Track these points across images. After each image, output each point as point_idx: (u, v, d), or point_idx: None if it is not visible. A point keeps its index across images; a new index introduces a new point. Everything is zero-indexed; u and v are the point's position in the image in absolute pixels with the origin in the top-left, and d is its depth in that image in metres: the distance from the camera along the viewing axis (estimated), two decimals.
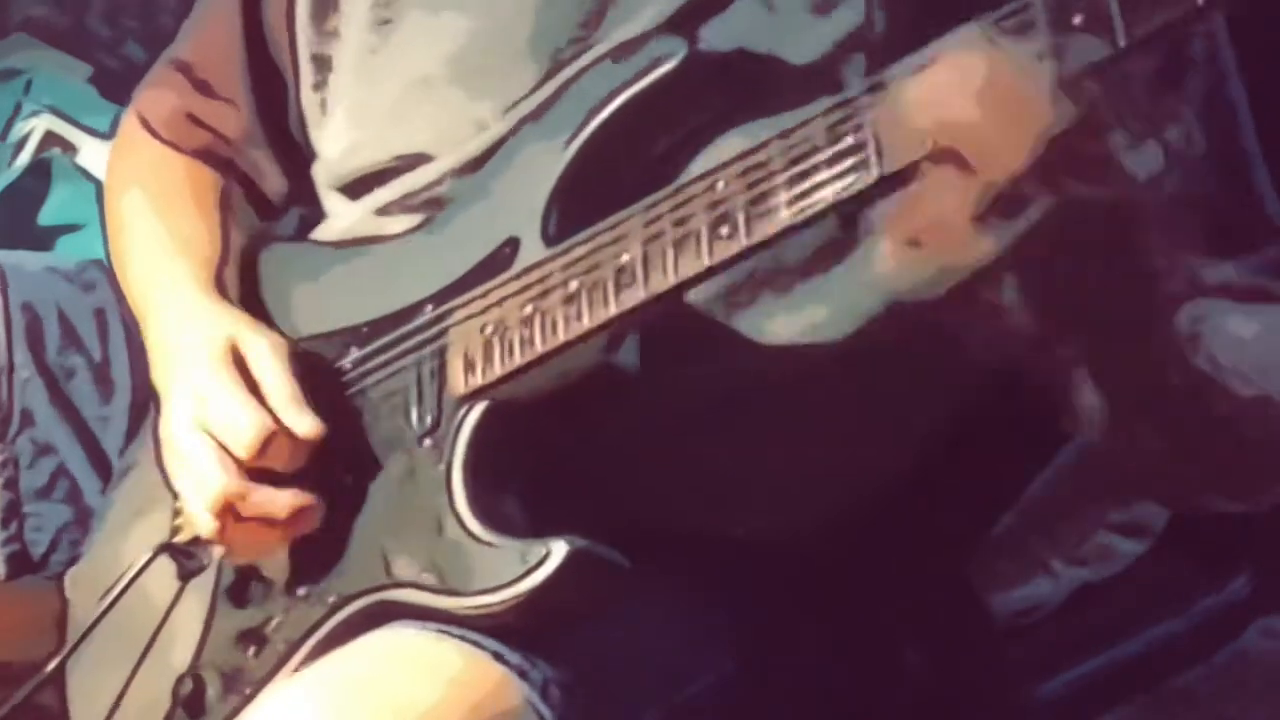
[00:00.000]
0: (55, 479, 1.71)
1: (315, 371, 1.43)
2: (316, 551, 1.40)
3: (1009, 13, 1.12)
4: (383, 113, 1.48)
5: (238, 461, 1.37)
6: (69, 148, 2.82)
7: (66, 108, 2.87)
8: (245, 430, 1.36)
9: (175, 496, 1.53)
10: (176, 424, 1.41)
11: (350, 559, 1.38)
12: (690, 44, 1.30)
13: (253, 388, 1.39)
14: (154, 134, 1.67)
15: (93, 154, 2.79)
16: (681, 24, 1.32)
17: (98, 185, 2.68)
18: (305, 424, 1.37)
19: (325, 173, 1.57)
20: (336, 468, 1.39)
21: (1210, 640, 2.10)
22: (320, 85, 1.54)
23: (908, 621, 1.50)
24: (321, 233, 1.58)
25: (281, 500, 1.37)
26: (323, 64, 1.54)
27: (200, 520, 1.39)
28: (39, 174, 2.74)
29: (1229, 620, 2.05)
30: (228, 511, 1.36)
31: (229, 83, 1.64)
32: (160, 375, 1.50)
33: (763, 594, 1.41)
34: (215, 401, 1.39)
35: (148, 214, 1.61)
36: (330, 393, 1.42)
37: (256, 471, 1.37)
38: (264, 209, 1.66)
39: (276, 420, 1.37)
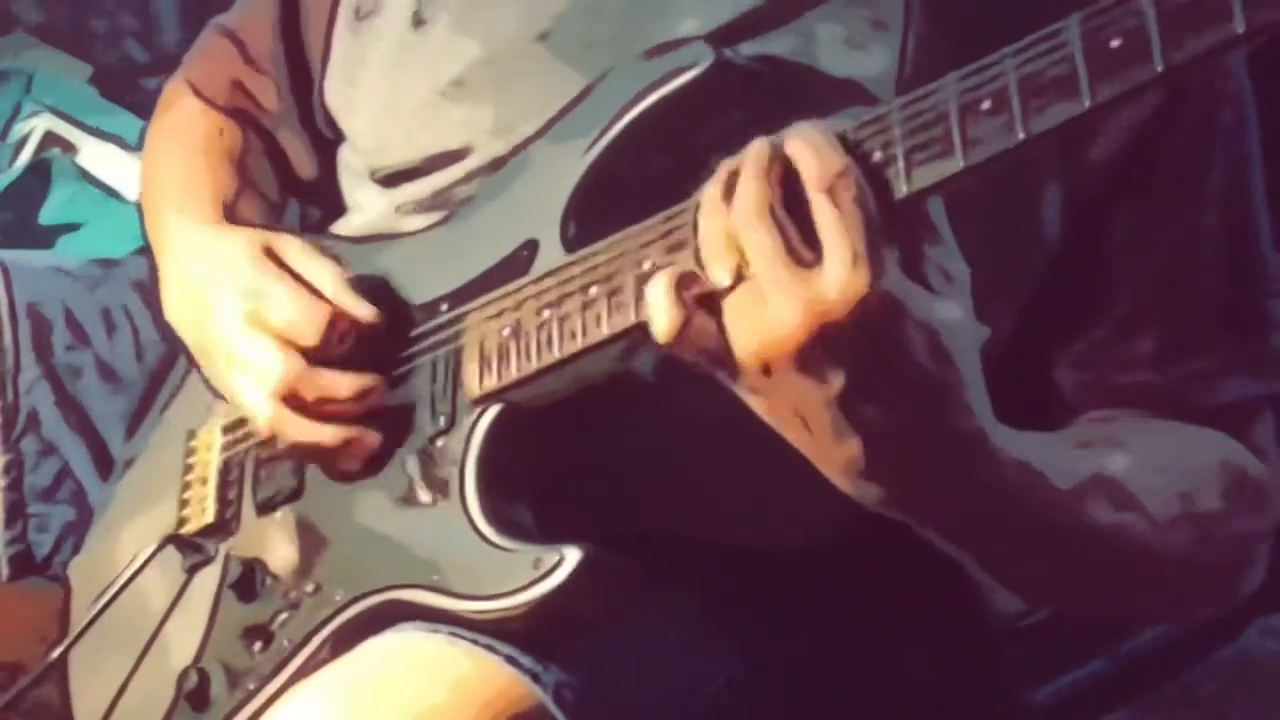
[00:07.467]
0: (60, 480, 1.71)
1: None
2: (325, 547, 1.40)
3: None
4: (413, 112, 1.48)
5: (300, 350, 1.38)
6: (69, 148, 2.83)
7: (66, 108, 2.88)
8: (309, 317, 1.38)
9: (183, 488, 1.54)
10: (228, 326, 1.42)
11: (358, 556, 1.37)
12: (717, 52, 1.30)
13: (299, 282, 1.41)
14: (198, 93, 1.70)
15: (93, 154, 2.79)
16: (719, 43, 1.31)
17: (100, 186, 2.69)
18: (365, 309, 1.39)
19: (358, 162, 1.57)
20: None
21: (1210, 640, 2.10)
22: (353, 80, 1.54)
23: (909, 624, 1.50)
24: (341, 227, 1.59)
25: (347, 380, 1.38)
26: (358, 58, 1.54)
27: (260, 407, 1.39)
28: (39, 174, 2.74)
29: (1229, 620, 2.05)
30: (292, 397, 1.37)
31: (269, 62, 1.66)
32: (179, 304, 1.52)
33: (769, 598, 1.42)
34: (272, 295, 1.41)
35: (172, 160, 1.65)
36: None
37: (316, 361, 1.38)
38: (292, 185, 1.67)
39: (336, 306, 1.39)
